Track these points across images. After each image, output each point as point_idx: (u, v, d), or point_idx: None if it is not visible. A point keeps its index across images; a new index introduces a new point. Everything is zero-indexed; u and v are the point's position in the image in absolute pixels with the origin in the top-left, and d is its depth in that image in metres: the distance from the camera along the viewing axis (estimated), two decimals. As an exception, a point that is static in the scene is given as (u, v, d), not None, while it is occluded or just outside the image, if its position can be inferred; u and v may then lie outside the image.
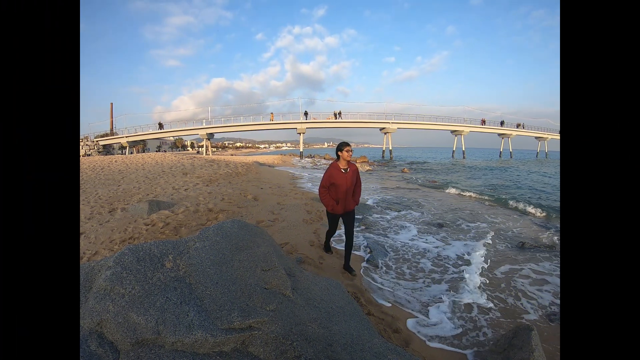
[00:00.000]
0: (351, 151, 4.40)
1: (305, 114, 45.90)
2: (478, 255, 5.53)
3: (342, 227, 5.27)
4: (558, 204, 12.43)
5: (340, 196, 4.34)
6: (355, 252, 5.35)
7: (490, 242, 6.49)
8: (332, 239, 5.58)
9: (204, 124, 46.60)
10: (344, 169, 4.34)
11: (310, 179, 16.61)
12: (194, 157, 29.70)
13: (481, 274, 4.79)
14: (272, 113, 45.53)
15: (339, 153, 4.36)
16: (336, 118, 46.80)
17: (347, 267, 4.57)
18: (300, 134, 44.73)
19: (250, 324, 1.97)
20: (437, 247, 6.02)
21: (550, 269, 5.12)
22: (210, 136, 47.29)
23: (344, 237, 5.10)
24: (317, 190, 7.28)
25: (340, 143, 4.30)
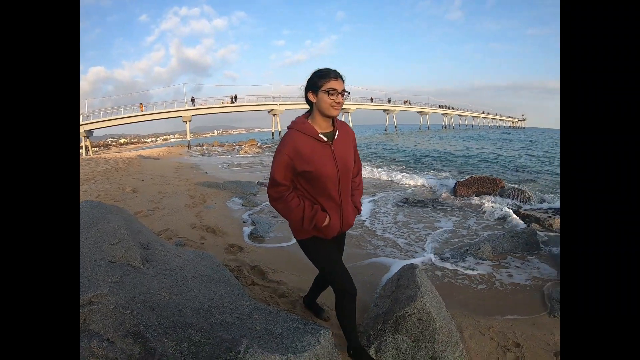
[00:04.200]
0: (345, 92, 1.90)
1: (192, 100, 42.85)
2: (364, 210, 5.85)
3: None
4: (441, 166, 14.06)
5: (332, 196, 1.97)
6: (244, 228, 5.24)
7: (377, 200, 7.05)
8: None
9: (82, 121, 40.45)
10: (325, 135, 1.91)
11: (195, 165, 16.34)
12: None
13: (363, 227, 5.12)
14: (141, 104, 40.98)
15: (318, 94, 1.85)
16: (232, 102, 45.13)
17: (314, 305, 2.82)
18: (186, 122, 41.69)
19: (90, 298, 1.84)
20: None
21: (424, 217, 6.12)
22: (89, 134, 40.04)
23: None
24: (205, 177, 6.52)
25: (318, 72, 1.87)
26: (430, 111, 75.92)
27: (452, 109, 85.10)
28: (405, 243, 4.80)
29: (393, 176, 11.04)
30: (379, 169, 12.63)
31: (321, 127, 1.92)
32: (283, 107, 48.26)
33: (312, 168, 1.85)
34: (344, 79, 1.88)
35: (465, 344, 2.43)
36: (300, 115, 2.04)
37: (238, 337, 1.56)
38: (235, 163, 16.86)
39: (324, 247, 2.09)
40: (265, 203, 6.95)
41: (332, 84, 1.82)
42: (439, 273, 3.87)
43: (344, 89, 1.87)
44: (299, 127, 1.90)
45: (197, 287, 2.31)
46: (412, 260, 4.02)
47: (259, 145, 33.03)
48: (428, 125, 78.67)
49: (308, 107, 2.00)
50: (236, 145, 36.33)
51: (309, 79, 1.90)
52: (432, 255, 4.32)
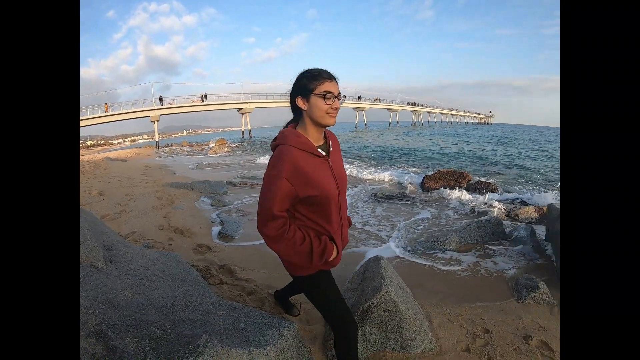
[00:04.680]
0: (341, 96, 1.59)
1: (160, 99, 41.63)
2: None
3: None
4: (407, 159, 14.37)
5: (332, 218, 1.66)
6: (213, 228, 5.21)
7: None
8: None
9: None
10: (319, 148, 1.63)
11: (163, 166, 16.04)
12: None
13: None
14: (106, 104, 39.22)
15: (310, 100, 1.53)
16: (203, 101, 44.25)
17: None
18: (154, 122, 40.47)
19: (51, 302, 1.80)
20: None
21: (391, 210, 6.40)
22: (53, 137, 39.73)
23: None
24: (174, 177, 6.28)
25: (308, 73, 1.56)
26: (400, 108, 77.52)
27: (422, 106, 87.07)
28: (371, 236, 4.95)
29: (363, 172, 11.25)
30: (349, 166, 12.83)
31: (314, 139, 1.60)
32: (253, 106, 47.79)
33: (318, 191, 1.52)
34: (338, 80, 1.57)
35: (434, 333, 2.49)
36: (286, 126, 1.67)
37: (200, 332, 1.58)
38: (205, 163, 16.61)
39: (333, 284, 1.77)
40: (236, 203, 6.93)
41: (327, 86, 1.51)
42: (407, 264, 3.98)
43: (339, 92, 1.56)
44: (294, 141, 1.53)
45: (161, 286, 2.31)
46: (380, 252, 4.13)
47: (228, 144, 32.71)
48: (397, 122, 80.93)
49: (293, 113, 1.67)
50: (205, 145, 35.80)
51: (296, 82, 1.57)
52: (399, 247, 4.44)
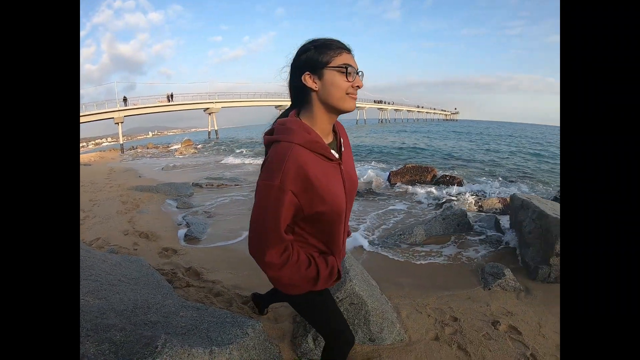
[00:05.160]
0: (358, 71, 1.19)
1: (125, 100, 39.79)
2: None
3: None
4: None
5: (337, 235, 1.30)
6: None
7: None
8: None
9: None
10: (331, 148, 1.25)
11: (128, 169, 15.65)
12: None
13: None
14: None
15: (325, 76, 1.13)
16: (169, 101, 42.98)
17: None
18: (118, 124, 38.65)
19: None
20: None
21: (358, 205, 6.43)
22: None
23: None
24: (139, 180, 6.00)
25: (318, 43, 1.14)
26: (367, 106, 78.44)
27: (388, 103, 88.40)
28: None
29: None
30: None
31: (324, 133, 1.22)
32: (219, 105, 46.84)
33: (327, 207, 1.16)
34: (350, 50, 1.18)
35: (402, 324, 2.52)
36: (284, 115, 1.28)
37: (160, 333, 1.58)
38: (171, 165, 16.29)
39: (331, 297, 1.51)
40: (203, 204, 6.87)
41: (346, 58, 1.14)
42: (373, 257, 4.08)
43: (354, 65, 1.17)
44: (302, 139, 1.11)
45: (122, 290, 2.28)
46: (347, 246, 4.21)
47: (194, 145, 32.19)
48: (365, 120, 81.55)
49: (294, 100, 1.26)
50: (171, 146, 35.09)
51: (299, 56, 1.17)
52: (366, 241, 4.54)
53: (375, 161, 14.41)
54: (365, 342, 2.29)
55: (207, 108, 46.63)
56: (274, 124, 1.23)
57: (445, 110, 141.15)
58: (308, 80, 1.14)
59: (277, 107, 51.77)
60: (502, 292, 3.08)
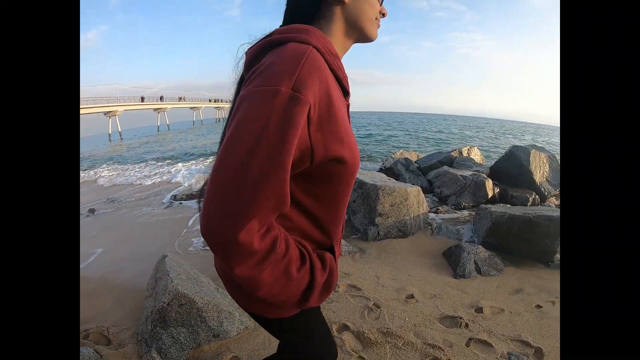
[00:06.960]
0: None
1: None
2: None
3: None
4: None
5: (344, 208, 0.86)
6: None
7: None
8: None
9: None
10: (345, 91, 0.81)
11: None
12: None
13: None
14: None
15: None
16: None
17: None
18: None
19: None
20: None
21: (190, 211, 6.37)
22: None
23: None
24: None
25: None
26: (203, 106, 75.92)
27: (226, 102, 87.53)
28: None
29: (168, 176, 11.22)
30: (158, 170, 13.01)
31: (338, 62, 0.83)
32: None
33: (348, 152, 0.73)
34: None
35: (242, 312, 2.36)
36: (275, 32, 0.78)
37: None
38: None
39: (322, 319, 1.05)
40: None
41: None
42: (208, 256, 3.99)
43: None
44: (321, 43, 0.72)
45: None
46: (180, 247, 4.38)
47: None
48: (201, 121, 78.47)
49: (296, 14, 0.84)
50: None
51: None
52: (195, 239, 4.64)
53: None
54: (211, 340, 2.18)
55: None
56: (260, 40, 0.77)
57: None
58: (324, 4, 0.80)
59: (106, 113, 47.42)
60: (339, 259, 3.13)
